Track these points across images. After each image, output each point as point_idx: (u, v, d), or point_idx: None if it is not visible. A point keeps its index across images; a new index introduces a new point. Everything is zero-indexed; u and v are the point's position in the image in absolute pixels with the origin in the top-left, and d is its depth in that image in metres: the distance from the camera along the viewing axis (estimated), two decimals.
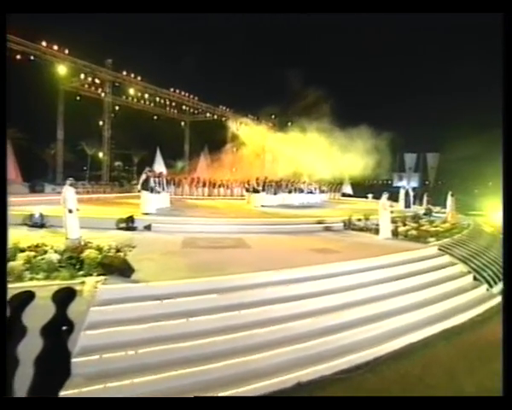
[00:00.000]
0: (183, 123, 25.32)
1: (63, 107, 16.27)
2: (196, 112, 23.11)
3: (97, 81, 16.15)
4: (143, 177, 8.74)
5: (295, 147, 18.54)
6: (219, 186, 18.22)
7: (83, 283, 3.45)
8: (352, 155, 16.79)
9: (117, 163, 21.82)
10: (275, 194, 13.39)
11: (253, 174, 15.90)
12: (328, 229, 8.58)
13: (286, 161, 18.87)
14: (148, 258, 4.80)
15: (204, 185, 18.30)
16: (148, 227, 7.29)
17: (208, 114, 23.60)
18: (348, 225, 8.80)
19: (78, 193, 6.06)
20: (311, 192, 16.17)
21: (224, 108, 23.68)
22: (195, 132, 24.35)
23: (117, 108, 19.37)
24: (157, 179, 9.91)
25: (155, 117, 22.79)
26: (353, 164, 16.72)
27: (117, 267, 3.72)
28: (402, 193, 14.05)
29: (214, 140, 23.26)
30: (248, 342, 3.48)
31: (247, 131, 23.90)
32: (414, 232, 7.88)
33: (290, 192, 14.87)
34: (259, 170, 19.72)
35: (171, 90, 20.32)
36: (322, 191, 17.78)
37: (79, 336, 3.02)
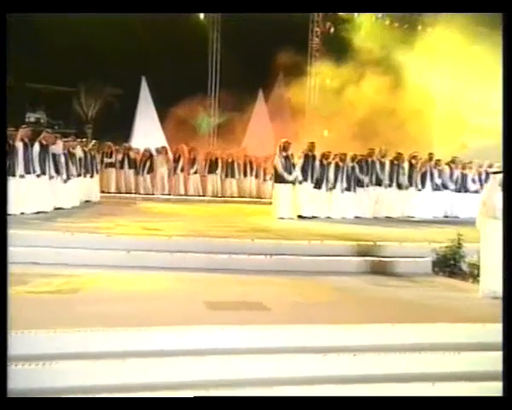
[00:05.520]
0: (204, 19, 27.64)
1: None
2: None
3: None
4: None
5: None
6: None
7: None
8: None
9: (34, 116, 24.81)
10: (348, 189, 14.36)
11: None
12: (379, 270, 9.59)
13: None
14: None
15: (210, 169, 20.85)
16: None
17: None
18: (440, 268, 9.78)
19: None
20: None
21: None
22: (233, 45, 26.31)
23: None
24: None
25: None
26: None
27: None
28: None
29: (279, 63, 25.04)
30: None
31: (368, 34, 24.84)
32: None
33: (399, 187, 15.96)
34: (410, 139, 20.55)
35: None
36: None
37: None
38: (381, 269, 9.50)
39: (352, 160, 15.33)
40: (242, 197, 20.80)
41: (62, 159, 13.94)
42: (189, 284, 8.49)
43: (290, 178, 14.07)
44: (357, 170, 15.32)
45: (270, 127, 26.80)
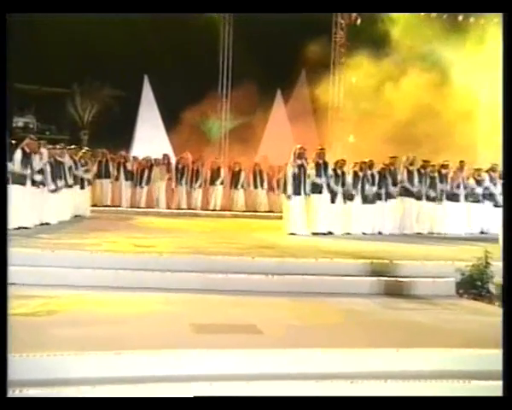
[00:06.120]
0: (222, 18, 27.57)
1: None
2: None
3: None
4: None
5: None
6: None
7: None
8: None
9: (22, 120, 25.24)
10: (369, 201, 15.31)
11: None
12: (394, 291, 9.79)
13: None
14: None
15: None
16: None
17: None
18: (465, 289, 9.91)
19: None
20: None
21: None
22: (247, 40, 26.29)
23: None
24: None
25: None
26: None
27: None
28: None
29: (299, 60, 25.24)
30: None
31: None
32: None
33: (428, 199, 16.21)
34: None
35: None
36: None
37: None
38: (396, 290, 9.61)
39: (370, 168, 15.47)
40: (253, 211, 21.27)
41: (48, 168, 14.22)
42: (178, 306, 8.74)
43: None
44: (377, 179, 15.52)
45: (290, 132, 26.93)
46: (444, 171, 16.68)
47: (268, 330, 7.52)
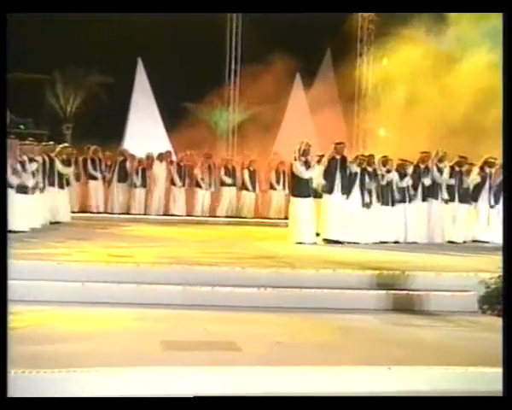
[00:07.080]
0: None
1: None
2: None
3: None
4: None
5: None
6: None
7: None
8: None
9: None
10: (388, 203, 15.50)
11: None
12: (404, 306, 10.05)
13: None
14: None
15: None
16: None
17: None
18: (490, 304, 10.05)
19: None
20: None
21: None
22: (259, 15, 26.22)
23: None
24: None
25: None
26: None
27: None
28: None
29: (322, 38, 25.50)
30: None
31: None
32: None
33: (463, 201, 16.41)
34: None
35: None
36: None
37: None
38: (407, 305, 9.88)
39: (384, 164, 15.79)
40: (266, 218, 21.63)
41: (19, 167, 14.61)
42: (152, 323, 9.06)
43: (306, 175, 14.65)
44: (396, 178, 15.76)
45: (311, 123, 27.08)
46: (488, 169, 16.87)
47: (248, 348, 7.81)
